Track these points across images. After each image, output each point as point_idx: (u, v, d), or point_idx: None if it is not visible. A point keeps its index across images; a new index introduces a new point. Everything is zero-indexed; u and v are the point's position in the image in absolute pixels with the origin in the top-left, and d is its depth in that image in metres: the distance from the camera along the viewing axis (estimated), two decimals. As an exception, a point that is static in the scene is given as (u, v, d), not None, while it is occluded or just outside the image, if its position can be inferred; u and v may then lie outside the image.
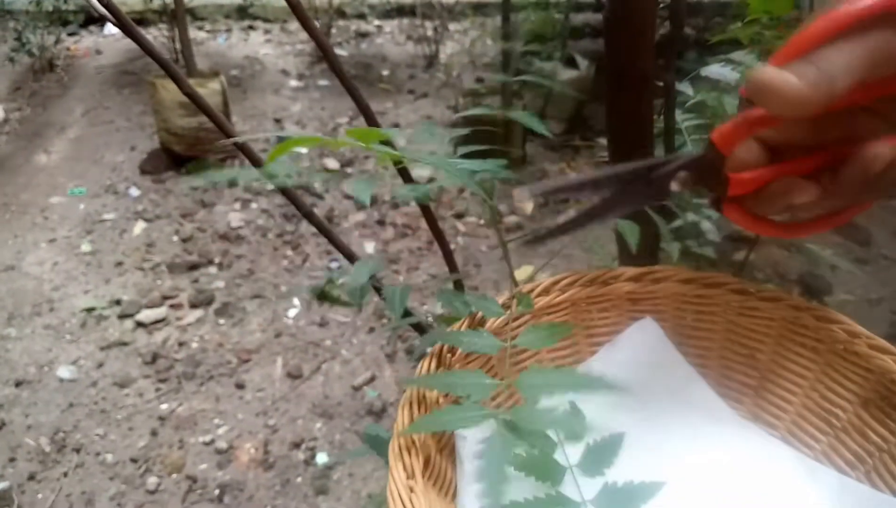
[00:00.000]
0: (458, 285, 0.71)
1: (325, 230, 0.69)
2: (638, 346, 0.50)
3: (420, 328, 0.71)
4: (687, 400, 0.49)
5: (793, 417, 0.49)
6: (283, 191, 0.66)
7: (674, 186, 0.40)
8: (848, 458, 0.45)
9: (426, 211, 0.71)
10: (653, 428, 0.47)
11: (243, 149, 0.63)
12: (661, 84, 0.75)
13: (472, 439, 0.43)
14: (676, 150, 0.73)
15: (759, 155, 0.39)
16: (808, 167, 0.37)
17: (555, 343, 0.45)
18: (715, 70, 0.72)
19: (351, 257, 0.71)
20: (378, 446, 0.77)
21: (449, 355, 0.46)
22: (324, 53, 0.60)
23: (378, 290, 0.68)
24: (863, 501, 0.42)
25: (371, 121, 0.65)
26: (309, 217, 0.67)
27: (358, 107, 0.64)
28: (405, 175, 0.67)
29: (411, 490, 0.36)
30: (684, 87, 0.77)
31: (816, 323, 0.46)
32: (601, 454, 0.42)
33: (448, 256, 0.74)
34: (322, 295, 0.53)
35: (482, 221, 2.96)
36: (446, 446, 0.45)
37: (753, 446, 0.47)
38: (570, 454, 0.41)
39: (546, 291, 0.51)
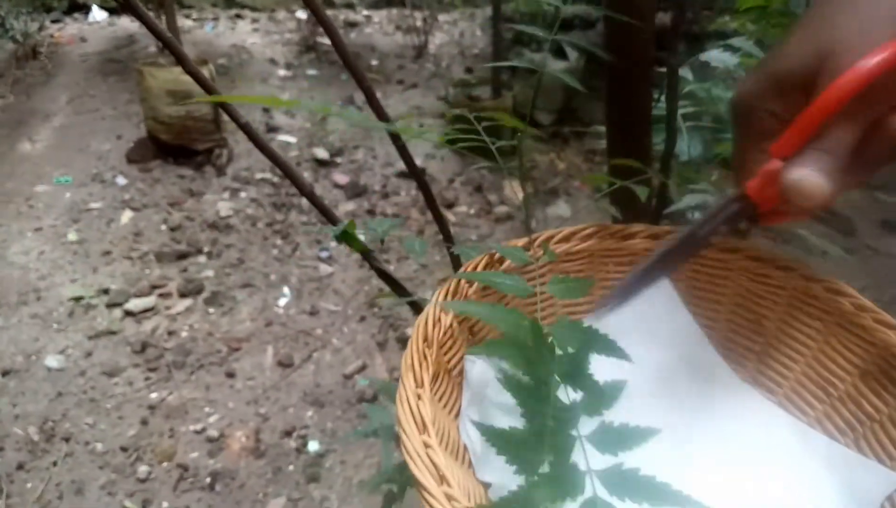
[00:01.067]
0: (454, 258, 0.71)
1: (325, 211, 0.69)
2: (650, 303, 0.50)
3: (417, 309, 0.71)
4: (691, 359, 0.51)
5: (792, 384, 0.50)
6: (285, 171, 0.66)
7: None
8: (840, 425, 0.46)
9: (426, 193, 0.71)
10: (654, 382, 0.49)
11: (246, 130, 0.63)
12: (661, 70, 0.75)
13: (480, 365, 0.45)
14: (675, 138, 0.73)
15: (761, 157, 0.42)
16: None
17: (582, 296, 0.46)
18: (715, 56, 0.73)
19: (334, 221, 0.71)
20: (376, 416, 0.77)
21: (466, 286, 0.47)
22: (331, 37, 0.60)
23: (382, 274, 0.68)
24: (850, 465, 0.44)
25: (373, 101, 0.65)
26: (311, 197, 0.67)
27: (360, 87, 0.64)
28: (404, 153, 0.66)
29: (419, 397, 0.37)
30: (684, 73, 0.78)
31: (826, 293, 0.47)
32: (602, 396, 0.43)
33: (443, 226, 0.74)
34: (344, 235, 0.53)
35: (472, 211, 2.97)
36: (455, 367, 0.46)
37: (749, 407, 0.49)
38: (571, 394, 0.42)
39: (566, 239, 0.52)
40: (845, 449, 0.45)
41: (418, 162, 3.12)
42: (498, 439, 0.37)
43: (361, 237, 0.62)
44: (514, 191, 3.13)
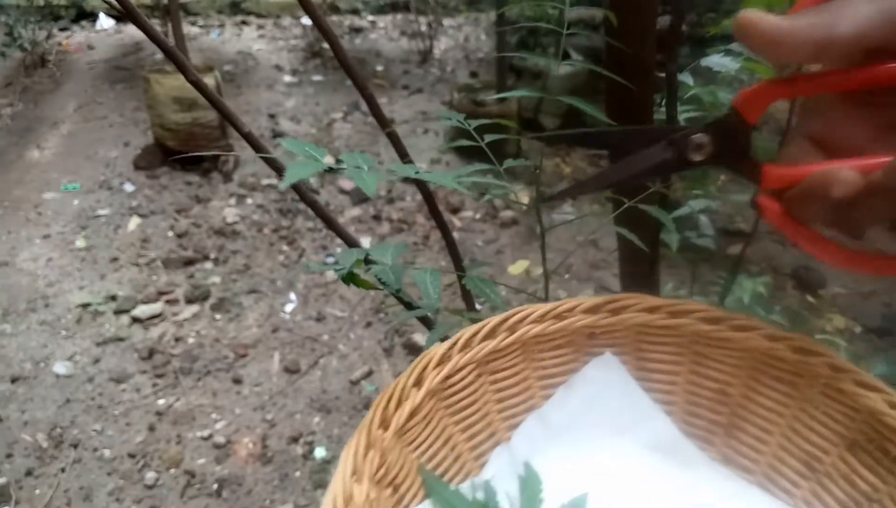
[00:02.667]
0: (465, 292, 0.71)
1: (329, 220, 0.69)
2: (597, 385, 0.46)
3: (427, 322, 0.71)
4: (653, 443, 0.45)
5: (769, 459, 0.44)
6: (293, 185, 0.66)
7: (695, 156, 0.37)
8: (833, 507, 0.41)
9: (430, 202, 0.71)
10: (618, 474, 0.43)
11: (249, 139, 0.63)
12: (661, 74, 0.75)
13: None
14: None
15: (806, 150, 0.36)
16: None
17: None
18: (716, 60, 0.73)
19: (354, 246, 0.71)
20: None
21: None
22: (331, 44, 0.60)
23: (382, 282, 0.69)
24: None
25: (375, 109, 0.65)
26: (313, 206, 0.67)
27: (362, 94, 0.65)
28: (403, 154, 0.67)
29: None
30: (684, 78, 0.78)
31: (794, 355, 0.42)
32: None
33: (451, 246, 0.74)
34: (350, 278, 0.50)
35: (477, 216, 2.97)
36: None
37: (726, 491, 0.43)
38: None
39: (492, 334, 0.45)
40: None
41: (423, 166, 3.12)
42: None
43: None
44: (519, 195, 3.13)
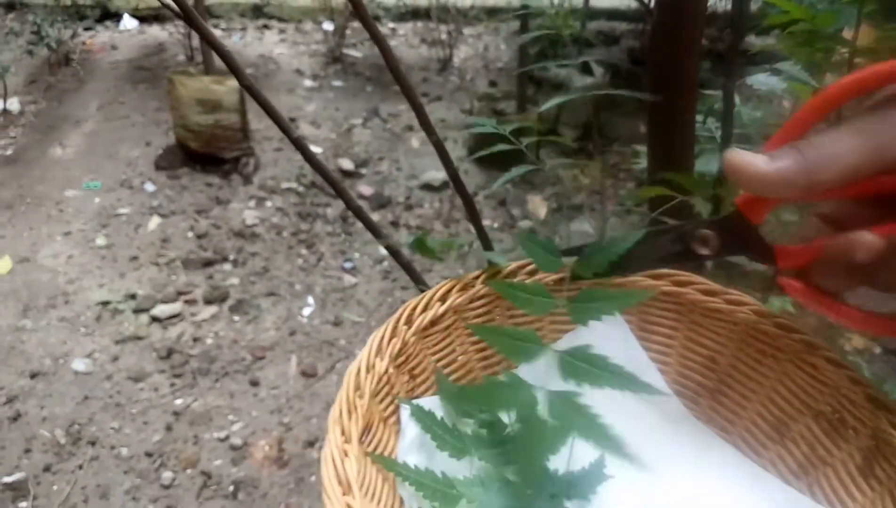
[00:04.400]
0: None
1: (371, 226, 0.69)
2: (600, 336, 0.50)
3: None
4: (642, 396, 0.49)
5: (746, 423, 0.49)
6: (332, 185, 0.66)
7: (702, 250, 0.40)
8: (793, 468, 0.45)
9: (471, 210, 0.71)
10: (606, 418, 0.46)
11: (297, 144, 0.63)
12: (704, 92, 0.75)
13: (413, 410, 0.45)
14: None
15: (817, 228, 0.37)
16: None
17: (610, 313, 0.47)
18: (761, 79, 0.72)
19: (396, 254, 0.71)
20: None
21: (405, 328, 0.47)
22: (382, 51, 0.61)
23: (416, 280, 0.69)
24: None
25: (422, 117, 0.65)
26: (357, 212, 0.67)
27: (411, 104, 0.65)
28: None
29: (345, 454, 0.36)
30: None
31: (776, 330, 0.46)
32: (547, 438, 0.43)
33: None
34: (419, 243, 0.53)
35: (496, 225, 2.97)
36: (392, 416, 0.45)
37: (701, 446, 0.48)
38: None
39: (512, 274, 0.50)
40: (798, 494, 0.44)
41: (442, 175, 3.13)
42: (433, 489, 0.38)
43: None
44: (537, 205, 3.13)
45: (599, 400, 0.46)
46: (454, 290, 0.48)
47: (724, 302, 0.48)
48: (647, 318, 0.52)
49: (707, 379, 0.51)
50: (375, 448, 0.43)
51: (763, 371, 0.48)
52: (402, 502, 0.41)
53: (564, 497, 0.41)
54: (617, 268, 0.44)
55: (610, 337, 0.50)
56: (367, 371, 0.41)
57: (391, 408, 0.45)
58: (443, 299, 0.48)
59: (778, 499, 0.44)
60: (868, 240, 0.32)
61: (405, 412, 0.45)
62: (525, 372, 0.47)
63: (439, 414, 0.44)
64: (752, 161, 0.32)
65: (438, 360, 0.49)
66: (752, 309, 0.47)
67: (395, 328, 0.45)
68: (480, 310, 0.50)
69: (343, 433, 0.37)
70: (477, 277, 0.49)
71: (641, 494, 0.42)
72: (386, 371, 0.43)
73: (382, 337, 0.44)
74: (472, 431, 0.43)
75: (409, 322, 0.46)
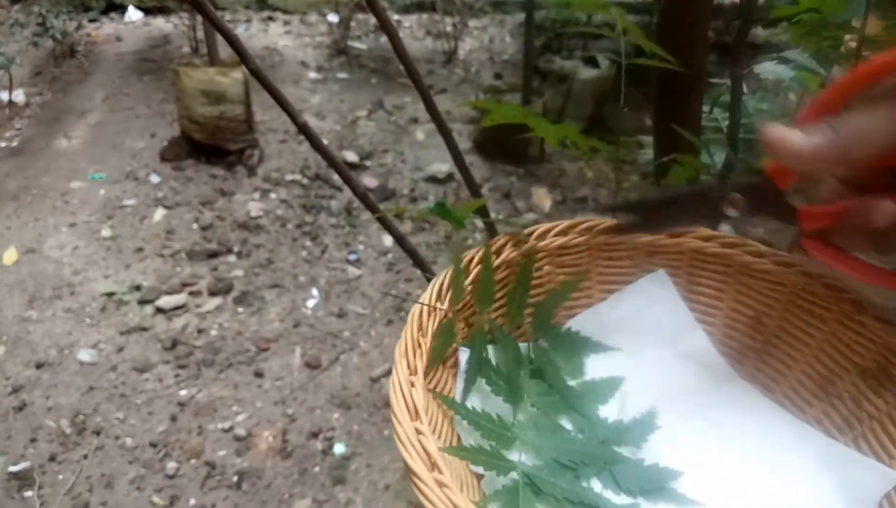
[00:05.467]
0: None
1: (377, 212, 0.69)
2: (647, 296, 0.51)
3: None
4: (688, 355, 0.51)
5: (791, 382, 0.49)
6: (337, 169, 0.66)
7: (730, 211, 0.41)
8: (838, 423, 0.46)
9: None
10: (650, 378, 0.48)
11: (304, 130, 0.63)
12: (712, 81, 0.75)
13: (471, 356, 0.46)
14: (737, 150, 0.72)
15: (837, 191, 0.39)
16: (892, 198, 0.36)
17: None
18: (769, 68, 0.72)
19: (401, 240, 0.71)
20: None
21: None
22: (393, 44, 0.60)
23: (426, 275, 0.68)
24: (847, 464, 0.43)
25: (432, 108, 0.65)
26: (364, 199, 0.67)
27: (422, 97, 0.64)
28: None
29: (412, 384, 0.38)
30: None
31: (825, 291, 0.46)
32: (595, 392, 0.46)
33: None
34: (441, 207, 0.55)
35: (500, 217, 2.96)
36: (450, 358, 0.47)
37: (747, 404, 0.48)
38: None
39: (564, 232, 0.51)
40: (843, 447, 0.45)
41: (446, 168, 3.12)
42: (485, 428, 0.40)
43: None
44: (542, 198, 3.12)
45: (644, 358, 0.49)
46: (508, 245, 0.49)
47: (773, 264, 0.48)
48: (695, 279, 0.53)
49: (753, 339, 0.51)
50: (436, 387, 0.44)
51: (810, 331, 0.48)
52: (458, 439, 0.43)
53: (614, 443, 0.42)
54: (650, 224, 0.46)
55: (655, 297, 0.51)
56: (429, 314, 0.43)
57: (450, 351, 0.46)
58: (498, 252, 0.49)
59: (823, 452, 0.44)
60: (885, 206, 0.34)
61: (463, 355, 0.46)
62: (577, 324, 0.51)
63: (494, 360, 0.46)
64: (788, 136, 0.34)
65: (492, 312, 0.50)
66: (800, 270, 0.47)
67: (454, 270, 0.47)
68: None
69: (409, 366, 0.39)
70: (530, 233, 0.51)
71: (689, 446, 0.44)
72: (446, 316, 0.44)
73: (442, 285, 0.45)
74: (523, 378, 0.45)
75: (466, 271, 0.47)
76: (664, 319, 0.51)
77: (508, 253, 0.49)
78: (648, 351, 0.50)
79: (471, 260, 0.47)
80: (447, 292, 0.45)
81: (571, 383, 0.47)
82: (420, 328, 0.42)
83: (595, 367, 0.49)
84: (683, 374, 0.50)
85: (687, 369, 0.50)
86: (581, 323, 0.52)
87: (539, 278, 0.52)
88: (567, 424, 0.44)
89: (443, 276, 0.46)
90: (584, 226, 0.51)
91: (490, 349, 0.47)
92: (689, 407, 0.47)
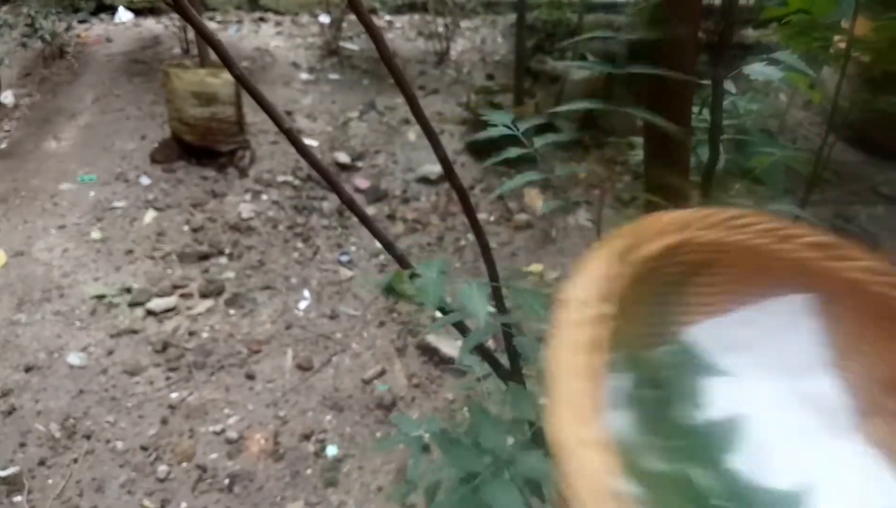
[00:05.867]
0: (497, 291, 0.71)
1: (364, 218, 0.69)
2: (783, 320, 0.43)
3: (461, 327, 0.70)
4: (810, 397, 0.43)
5: None
6: (323, 175, 0.66)
7: None
8: None
9: (467, 206, 0.70)
10: (767, 409, 0.41)
11: (289, 135, 0.63)
12: (702, 82, 0.74)
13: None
14: (718, 151, 0.72)
15: None
16: None
17: None
18: (758, 69, 0.72)
19: (389, 246, 0.71)
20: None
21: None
22: (376, 44, 0.60)
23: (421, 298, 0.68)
24: None
25: (416, 110, 0.64)
26: (350, 205, 0.67)
27: (404, 94, 0.64)
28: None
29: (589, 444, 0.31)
30: (727, 86, 0.77)
31: None
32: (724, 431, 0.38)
33: (485, 250, 0.73)
34: (389, 290, 0.50)
35: (492, 218, 2.96)
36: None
37: (857, 467, 0.41)
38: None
39: (720, 225, 0.43)
40: None
41: (438, 168, 3.12)
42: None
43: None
44: (534, 199, 3.12)
45: (759, 391, 0.41)
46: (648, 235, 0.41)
47: None
48: (844, 314, 0.44)
49: (890, 398, 0.42)
50: None
51: None
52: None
53: None
54: None
55: (792, 323, 0.44)
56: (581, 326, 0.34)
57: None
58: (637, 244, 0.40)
59: None
60: None
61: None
62: (693, 335, 0.44)
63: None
64: None
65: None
66: None
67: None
68: (674, 262, 0.43)
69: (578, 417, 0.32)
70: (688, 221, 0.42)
71: None
72: (614, 266, 0.37)
73: (612, 247, 0.38)
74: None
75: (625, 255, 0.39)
76: (793, 350, 0.44)
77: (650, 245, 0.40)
78: (765, 382, 0.42)
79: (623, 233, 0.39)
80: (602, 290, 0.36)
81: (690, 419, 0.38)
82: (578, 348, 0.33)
83: (708, 394, 0.40)
84: (800, 418, 0.42)
85: (806, 413, 0.42)
86: (698, 334, 0.44)
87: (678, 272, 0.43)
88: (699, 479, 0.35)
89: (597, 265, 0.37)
90: (742, 221, 0.43)
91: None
92: (804, 462, 0.39)
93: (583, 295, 0.35)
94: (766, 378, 0.43)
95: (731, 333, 0.44)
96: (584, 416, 0.29)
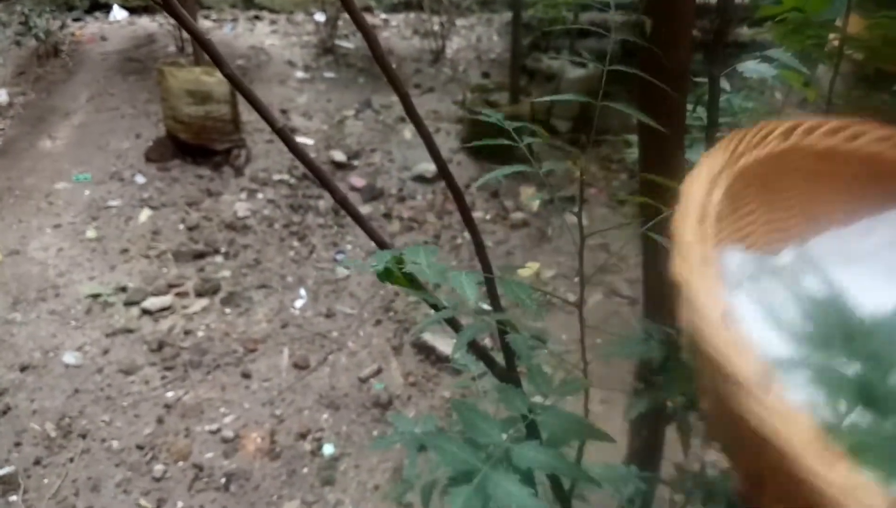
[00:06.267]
0: (490, 283, 0.71)
1: (358, 218, 0.68)
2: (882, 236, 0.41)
3: (453, 323, 0.70)
4: None
5: None
6: (321, 180, 0.66)
7: None
8: None
9: (462, 204, 0.70)
10: None
11: (281, 135, 0.62)
12: (696, 79, 0.75)
13: (740, 258, 0.40)
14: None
15: None
16: None
17: None
18: (751, 67, 0.72)
19: (383, 245, 0.71)
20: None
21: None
22: (369, 42, 0.60)
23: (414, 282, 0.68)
24: None
25: (410, 108, 0.64)
26: (343, 204, 0.67)
27: (397, 93, 0.64)
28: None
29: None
30: (722, 84, 0.77)
31: None
32: None
33: (479, 248, 0.73)
34: (387, 274, 0.51)
35: (488, 217, 2.96)
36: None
37: None
38: None
39: (834, 132, 0.42)
40: None
41: (434, 167, 3.12)
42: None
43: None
44: (530, 198, 3.12)
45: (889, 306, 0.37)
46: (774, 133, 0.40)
47: None
48: None
49: None
50: None
51: None
52: None
53: None
54: None
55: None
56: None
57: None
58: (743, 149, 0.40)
59: None
60: None
61: (731, 258, 0.39)
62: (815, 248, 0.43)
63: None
64: None
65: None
66: None
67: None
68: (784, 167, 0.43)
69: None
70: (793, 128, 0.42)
71: None
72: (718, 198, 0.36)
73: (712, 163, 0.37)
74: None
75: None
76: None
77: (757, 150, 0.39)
78: (886, 292, 0.38)
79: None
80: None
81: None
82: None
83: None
84: None
85: None
86: (819, 247, 0.43)
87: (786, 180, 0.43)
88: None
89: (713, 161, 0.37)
90: (849, 131, 0.41)
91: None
92: None
93: (700, 191, 0.35)
94: (889, 288, 0.40)
95: (851, 244, 0.43)
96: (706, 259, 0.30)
